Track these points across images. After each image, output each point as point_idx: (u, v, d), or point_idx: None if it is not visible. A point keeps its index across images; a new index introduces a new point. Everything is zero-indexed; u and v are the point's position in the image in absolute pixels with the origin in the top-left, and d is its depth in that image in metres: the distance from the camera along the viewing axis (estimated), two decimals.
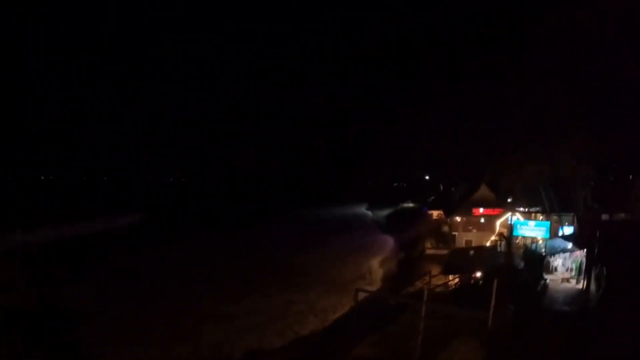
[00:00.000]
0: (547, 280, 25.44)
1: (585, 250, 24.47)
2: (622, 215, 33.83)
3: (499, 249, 34.67)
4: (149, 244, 67.63)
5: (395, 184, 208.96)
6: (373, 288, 38.09)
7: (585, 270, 22.25)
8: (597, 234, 18.81)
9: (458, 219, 58.14)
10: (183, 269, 50.92)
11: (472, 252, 34.38)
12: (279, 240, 74.99)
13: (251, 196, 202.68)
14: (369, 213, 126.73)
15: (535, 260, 28.55)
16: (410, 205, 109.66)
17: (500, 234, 43.25)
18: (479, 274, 30.94)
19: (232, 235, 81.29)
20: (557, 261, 29.33)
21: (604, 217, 30.76)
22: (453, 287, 28.84)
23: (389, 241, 72.00)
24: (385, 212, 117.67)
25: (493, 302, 9.73)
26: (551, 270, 29.20)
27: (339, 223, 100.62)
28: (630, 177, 43.17)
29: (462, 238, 55.14)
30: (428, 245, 58.67)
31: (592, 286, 19.42)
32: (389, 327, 12.35)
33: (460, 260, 33.91)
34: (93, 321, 32.79)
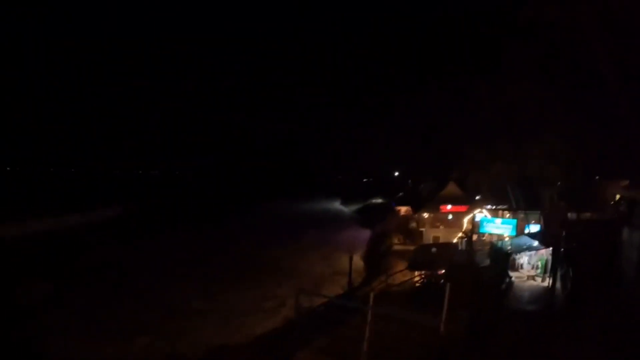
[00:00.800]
0: (513, 278, 25.29)
1: (550, 248, 24.38)
2: (588, 214, 34.03)
3: (460, 247, 34.44)
4: (123, 239, 66.16)
5: (365, 180, 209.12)
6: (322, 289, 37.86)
7: (551, 269, 22.09)
8: (563, 232, 18.52)
9: (426, 215, 58.10)
10: (154, 264, 49.95)
11: (434, 249, 34.03)
12: (253, 235, 73.96)
13: (219, 190, 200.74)
14: (344, 209, 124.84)
15: (501, 258, 28.35)
16: (379, 201, 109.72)
17: (464, 232, 43.20)
18: (443, 271, 30.74)
19: (205, 230, 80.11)
20: (523, 259, 29.28)
21: (570, 215, 30.82)
22: (417, 284, 28.52)
23: (360, 236, 71.82)
24: (355, 207, 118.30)
25: (445, 308, 9.20)
26: (517, 267, 29.14)
27: (312, 218, 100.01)
28: (597, 177, 43.65)
29: (430, 234, 55.02)
30: (395, 240, 58.57)
31: (558, 284, 19.19)
32: (338, 331, 11.67)
33: (425, 256, 33.58)
34: (50, 315, 31.90)
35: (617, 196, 43.08)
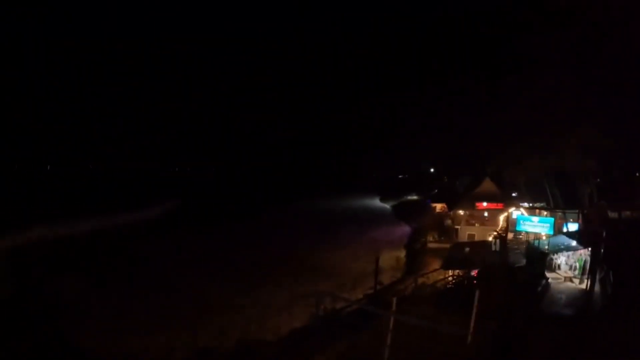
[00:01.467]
0: (549, 280, 24.46)
1: (589, 248, 23.47)
2: (629, 213, 32.75)
3: (493, 248, 33.55)
4: (164, 236, 67.86)
5: (400, 176, 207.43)
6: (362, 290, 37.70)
7: (590, 270, 21.26)
8: (604, 232, 17.70)
9: (461, 212, 57.08)
10: (197, 259, 51.42)
11: (467, 249, 33.22)
12: (294, 232, 74.64)
13: (260, 188, 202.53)
14: (385, 205, 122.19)
15: (537, 258, 27.50)
16: (414, 197, 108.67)
17: (497, 232, 42.15)
18: (476, 271, 30.06)
19: (246, 226, 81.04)
20: (561, 259, 28.29)
21: (612, 214, 29.72)
22: (449, 284, 27.90)
23: (395, 233, 71.29)
24: (390, 204, 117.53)
25: (473, 317, 8.64)
26: (554, 268, 28.20)
27: (351, 215, 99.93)
28: (638, 174, 42.09)
29: (465, 232, 54.03)
30: (430, 238, 57.79)
31: (597, 288, 18.40)
32: (358, 337, 11.21)
33: (459, 256, 32.88)
34: (86, 310, 32.64)
35: None
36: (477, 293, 8.61)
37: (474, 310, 8.49)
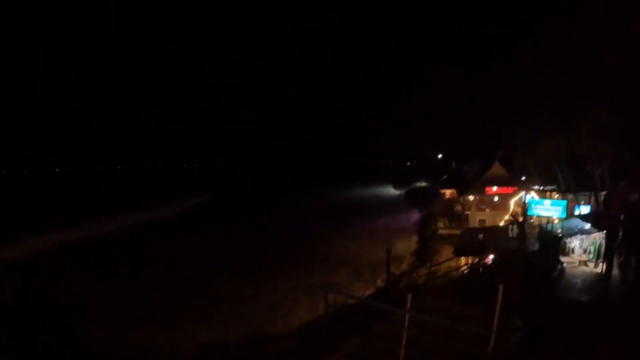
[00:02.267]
0: (564, 264, 24.20)
1: (604, 231, 23.15)
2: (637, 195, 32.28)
3: (510, 234, 33.19)
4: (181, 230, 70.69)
5: (408, 163, 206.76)
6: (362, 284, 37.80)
7: (605, 254, 20.96)
8: (622, 215, 17.29)
9: (471, 197, 56.83)
10: (216, 253, 53.05)
11: (481, 235, 32.88)
12: (309, 221, 76.66)
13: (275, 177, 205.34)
14: (398, 192, 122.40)
15: (551, 242, 27.19)
16: (423, 184, 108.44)
17: (512, 217, 41.74)
18: (491, 257, 29.77)
19: (264, 217, 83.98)
20: (574, 242, 27.99)
21: (632, 196, 29.29)
22: (464, 272, 27.68)
23: (404, 221, 71.43)
24: (400, 191, 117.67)
25: (497, 315, 8.32)
26: (568, 252, 27.93)
27: (364, 204, 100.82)
28: None
29: (476, 217, 53.83)
30: (440, 225, 57.73)
31: (615, 272, 18.09)
32: (369, 336, 10.94)
33: (472, 242, 32.62)
34: (97, 307, 32.99)
35: None
36: (500, 288, 8.27)
37: (498, 307, 8.18)
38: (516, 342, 9.96)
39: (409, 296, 9.50)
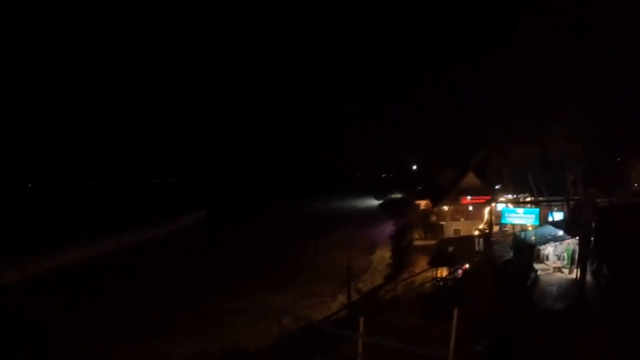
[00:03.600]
0: (538, 272, 23.79)
1: (577, 238, 22.85)
2: (613, 198, 32.29)
3: (477, 248, 32.84)
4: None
5: (383, 175, 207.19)
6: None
7: (579, 260, 20.59)
8: (593, 222, 16.96)
9: (445, 208, 56.68)
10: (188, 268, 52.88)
11: (451, 248, 32.51)
12: (291, 234, 76.99)
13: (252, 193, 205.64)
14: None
15: (525, 250, 26.86)
16: (398, 195, 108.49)
17: (480, 230, 41.61)
18: (467, 266, 29.33)
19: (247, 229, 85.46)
20: (548, 249, 27.70)
21: (600, 202, 29.12)
22: (435, 284, 27.10)
23: (380, 232, 71.44)
24: (376, 203, 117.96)
25: (453, 338, 7.72)
26: (542, 259, 27.61)
27: (345, 215, 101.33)
28: (619, 159, 41.66)
29: (451, 227, 53.62)
30: (416, 235, 57.29)
31: (588, 277, 17.68)
32: (334, 356, 10.20)
33: (446, 253, 32.21)
34: (68, 327, 31.76)
35: None
36: (455, 311, 7.68)
37: (453, 329, 7.57)
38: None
39: (361, 320, 8.87)
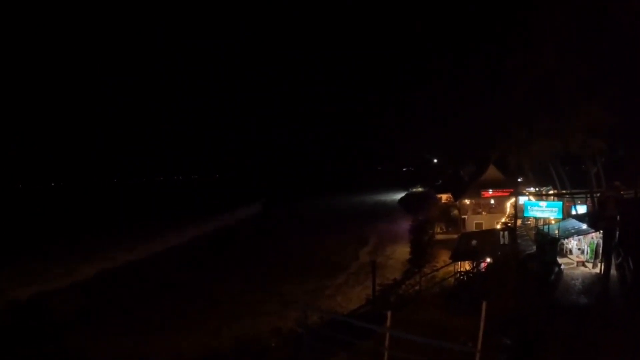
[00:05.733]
0: (562, 266, 23.66)
1: (601, 231, 22.70)
2: (638, 191, 31.94)
3: (502, 241, 32.68)
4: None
5: (404, 169, 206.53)
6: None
7: (603, 254, 20.48)
8: (618, 216, 16.86)
9: (467, 201, 56.50)
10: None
11: (474, 241, 32.39)
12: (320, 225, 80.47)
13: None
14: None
15: (548, 244, 26.67)
16: (420, 189, 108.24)
17: (504, 223, 41.32)
18: (488, 260, 29.21)
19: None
20: (572, 243, 27.48)
21: (626, 194, 28.83)
22: (460, 277, 27.05)
23: (402, 227, 71.59)
24: (397, 197, 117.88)
25: (481, 331, 7.81)
26: (565, 253, 27.43)
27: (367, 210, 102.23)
28: None
29: (472, 221, 53.52)
30: (437, 230, 57.35)
31: (612, 271, 17.60)
32: (356, 352, 10.34)
33: (468, 246, 32.11)
34: (88, 323, 32.48)
35: None
36: (483, 305, 7.75)
37: (482, 325, 7.67)
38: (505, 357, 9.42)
39: (389, 314, 9.01)
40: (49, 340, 23.06)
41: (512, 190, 49.38)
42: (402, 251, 53.51)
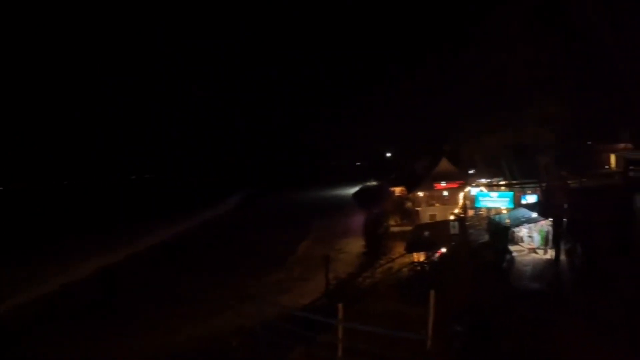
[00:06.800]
0: (514, 254, 24.23)
1: (550, 219, 23.33)
2: (584, 180, 33.01)
3: (452, 231, 33.23)
4: None
5: (358, 163, 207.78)
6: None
7: (553, 241, 21.02)
8: (565, 204, 17.38)
9: (420, 194, 57.08)
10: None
11: (426, 233, 32.90)
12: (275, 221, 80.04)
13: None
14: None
15: (500, 232, 27.32)
16: (374, 183, 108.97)
17: (456, 214, 42.12)
18: (443, 250, 29.64)
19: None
20: (522, 231, 28.19)
21: (572, 184, 29.72)
22: (413, 269, 27.37)
23: (356, 221, 71.86)
24: (351, 192, 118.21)
25: (431, 320, 7.92)
26: (516, 241, 28.11)
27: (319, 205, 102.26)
28: (589, 142, 42.57)
29: (426, 213, 54.11)
30: (392, 222, 57.73)
31: (562, 257, 18.07)
32: (312, 345, 10.28)
33: (422, 238, 32.56)
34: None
35: (612, 160, 42.13)
36: (432, 294, 7.85)
37: (431, 312, 7.76)
38: (456, 348, 9.54)
39: (340, 306, 9.00)
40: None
41: (463, 182, 50.24)
42: (356, 245, 53.78)
